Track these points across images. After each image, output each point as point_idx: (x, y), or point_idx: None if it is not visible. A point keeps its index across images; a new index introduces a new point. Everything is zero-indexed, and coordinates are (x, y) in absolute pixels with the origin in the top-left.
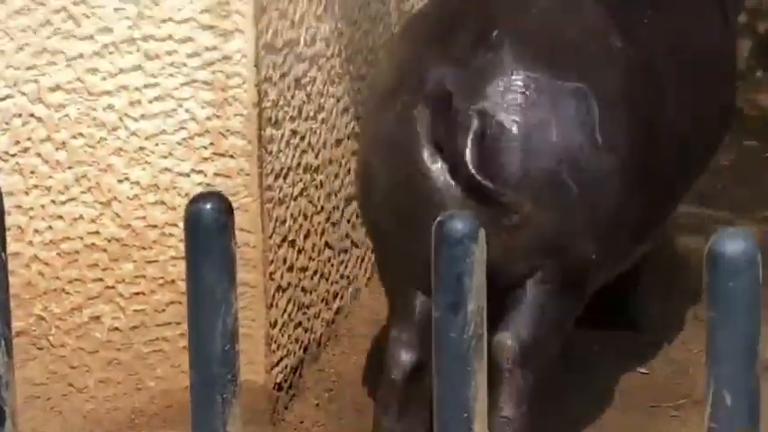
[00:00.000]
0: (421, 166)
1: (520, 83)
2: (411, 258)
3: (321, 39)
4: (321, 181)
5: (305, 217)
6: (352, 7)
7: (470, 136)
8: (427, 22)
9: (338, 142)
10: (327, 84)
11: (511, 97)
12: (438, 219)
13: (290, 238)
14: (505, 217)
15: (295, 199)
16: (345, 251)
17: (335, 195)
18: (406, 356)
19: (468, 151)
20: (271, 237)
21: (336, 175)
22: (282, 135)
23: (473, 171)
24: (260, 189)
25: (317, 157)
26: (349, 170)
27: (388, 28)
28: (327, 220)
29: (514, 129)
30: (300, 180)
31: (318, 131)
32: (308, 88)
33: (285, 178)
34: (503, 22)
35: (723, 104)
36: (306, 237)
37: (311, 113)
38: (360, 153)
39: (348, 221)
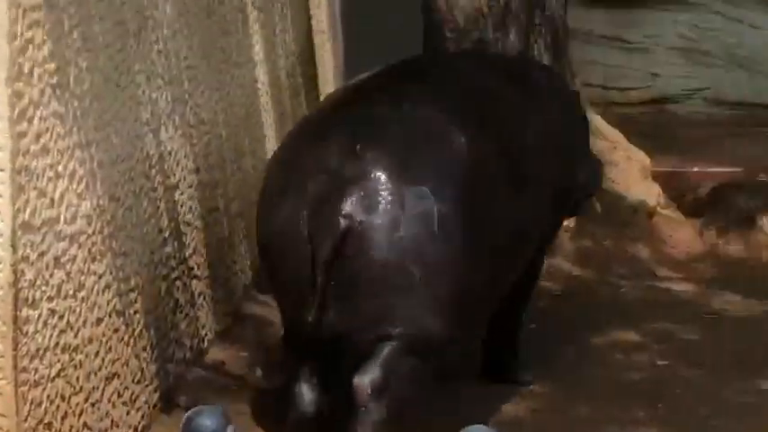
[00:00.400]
0: (300, 254)
1: (377, 189)
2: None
3: (82, 216)
4: (80, 360)
5: (62, 398)
6: (115, 183)
7: (330, 238)
8: (307, 134)
9: (99, 320)
10: (88, 261)
11: (369, 201)
12: (187, 414)
13: (46, 421)
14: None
15: (52, 380)
16: (106, 431)
17: (95, 374)
18: None
19: (323, 254)
20: (26, 420)
21: (97, 354)
22: (39, 315)
23: (319, 278)
24: (14, 371)
25: (76, 336)
26: (110, 348)
27: (153, 202)
28: (86, 400)
29: (372, 228)
30: (58, 360)
31: (78, 310)
32: (68, 266)
33: (42, 359)
34: (365, 136)
35: (558, 191)
36: (63, 418)
37: (71, 292)
38: (261, 239)
39: (109, 401)
